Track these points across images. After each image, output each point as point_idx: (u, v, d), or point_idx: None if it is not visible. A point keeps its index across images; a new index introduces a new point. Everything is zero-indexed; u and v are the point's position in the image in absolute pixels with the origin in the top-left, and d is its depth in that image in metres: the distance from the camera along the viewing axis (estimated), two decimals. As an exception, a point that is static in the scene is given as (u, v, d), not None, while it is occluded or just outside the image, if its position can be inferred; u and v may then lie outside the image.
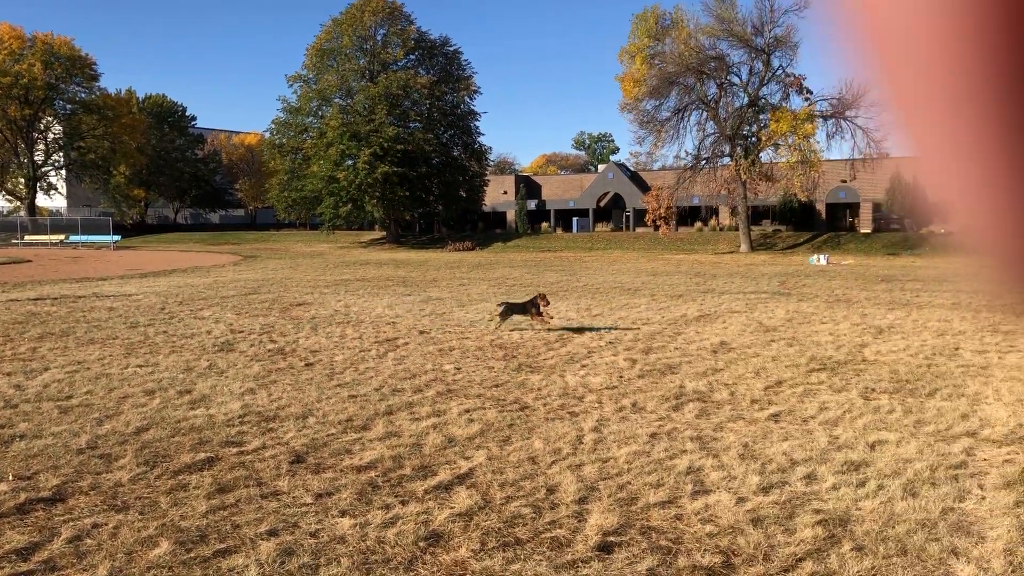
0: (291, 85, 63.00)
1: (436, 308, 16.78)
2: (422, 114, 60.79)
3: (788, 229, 58.95)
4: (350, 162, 57.54)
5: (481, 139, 66.53)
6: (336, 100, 60.70)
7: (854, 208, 64.03)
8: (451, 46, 63.42)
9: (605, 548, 4.29)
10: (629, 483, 5.36)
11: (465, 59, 65.12)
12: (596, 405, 7.75)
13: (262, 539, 4.40)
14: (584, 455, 6.02)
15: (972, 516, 4.78)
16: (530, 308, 12.80)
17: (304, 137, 61.47)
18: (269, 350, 11.21)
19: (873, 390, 8.44)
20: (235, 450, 6.19)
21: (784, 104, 45.43)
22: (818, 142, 44.41)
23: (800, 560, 4.13)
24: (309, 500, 5.04)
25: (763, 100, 46.78)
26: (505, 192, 75.31)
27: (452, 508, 4.88)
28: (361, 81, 60.77)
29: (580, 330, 13.00)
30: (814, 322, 14.13)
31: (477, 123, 64.62)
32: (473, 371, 9.58)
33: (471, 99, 64.12)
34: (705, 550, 4.25)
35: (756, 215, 63.59)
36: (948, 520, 4.70)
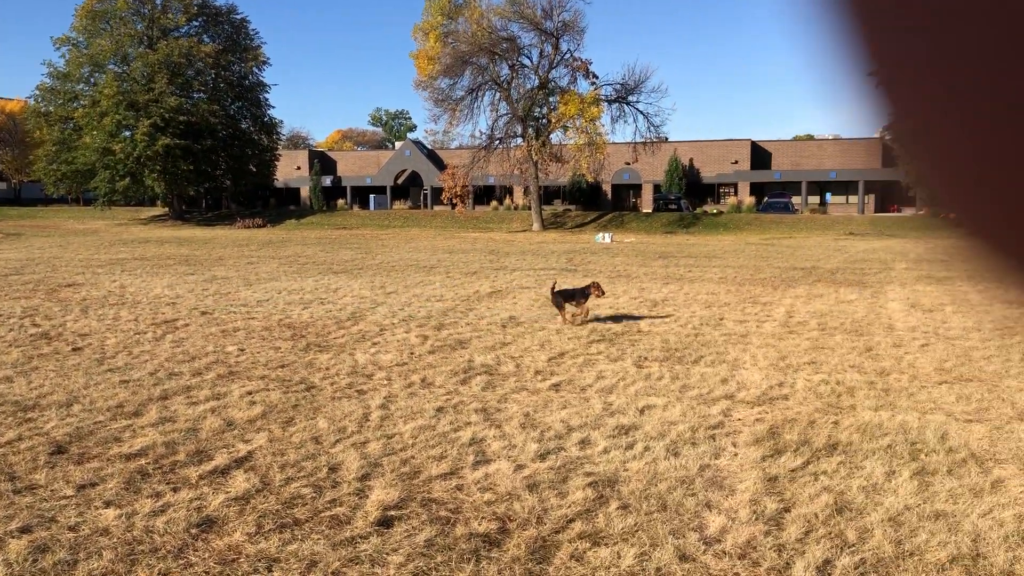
0: (58, 48, 57.77)
1: (221, 288, 16.08)
2: (207, 84, 57.64)
3: (577, 209, 61.35)
4: (127, 133, 53.69)
5: (272, 112, 64.16)
6: (111, 67, 56.29)
7: (637, 189, 67.57)
8: (238, 14, 60.50)
9: (385, 523, 4.32)
10: (413, 457, 5.41)
11: (253, 28, 62.46)
12: (385, 382, 7.75)
13: (12, 537, 4.06)
14: (369, 432, 6.01)
15: (725, 471, 5.22)
16: (579, 296, 11.54)
17: (75, 105, 56.53)
18: (31, 335, 10.31)
19: (645, 359, 8.99)
20: (-16, 444, 5.66)
21: (572, 87, 47.08)
22: (603, 125, 46.39)
23: (571, 521, 4.35)
24: (70, 493, 4.71)
25: (553, 83, 48.22)
26: (299, 168, 73.15)
27: (228, 492, 4.72)
28: (139, 47, 56.70)
29: (375, 307, 12.91)
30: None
31: (267, 95, 62.23)
32: (258, 352, 9.28)
33: (260, 70, 61.64)
34: (482, 518, 4.38)
35: (548, 195, 65.66)
36: (704, 476, 5.11)
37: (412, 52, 52.92)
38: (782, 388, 7.59)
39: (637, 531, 4.23)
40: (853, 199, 61.63)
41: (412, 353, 9.23)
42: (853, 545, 4.10)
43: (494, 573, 3.77)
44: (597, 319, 11.71)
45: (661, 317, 12.16)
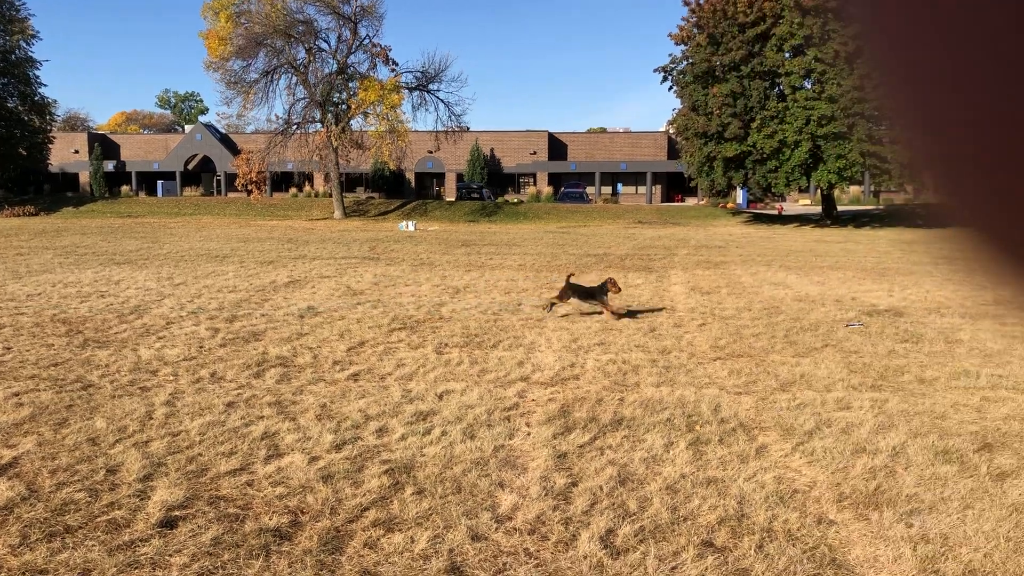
0: None
1: (-16, 281, 14.63)
2: (-36, 58, 52.10)
3: (380, 196, 60.85)
4: None
5: (43, 91, 58.86)
6: None
7: (440, 178, 67.93)
8: (0, -18, 54.91)
9: (168, 524, 4.11)
10: (200, 455, 5.18)
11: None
12: (171, 378, 7.36)
13: None
14: (153, 431, 5.69)
15: (518, 451, 5.38)
16: (599, 295, 10.88)
17: None
18: None
19: (446, 345, 9.08)
20: None
21: (372, 74, 46.54)
22: (405, 113, 46.29)
23: (365, 510, 4.33)
24: None
25: (352, 68, 47.46)
26: (77, 151, 67.76)
27: (-12, 504, 4.32)
28: None
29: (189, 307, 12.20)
30: (399, 284, 14.79)
31: (37, 72, 57.02)
32: (28, 350, 8.54)
33: (28, 44, 56.33)
34: (274, 512, 4.27)
35: (350, 182, 64.69)
36: (499, 457, 5.24)
37: (202, 32, 50.22)
38: (574, 368, 7.91)
39: (431, 514, 4.28)
40: (642, 189, 65.06)
41: (201, 347, 8.82)
42: (634, 514, 4.35)
43: (284, 567, 3.69)
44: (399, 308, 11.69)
45: (463, 304, 12.31)
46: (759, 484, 4.81)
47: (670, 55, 39.71)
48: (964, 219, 0.36)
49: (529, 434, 5.74)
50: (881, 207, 51.74)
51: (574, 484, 4.76)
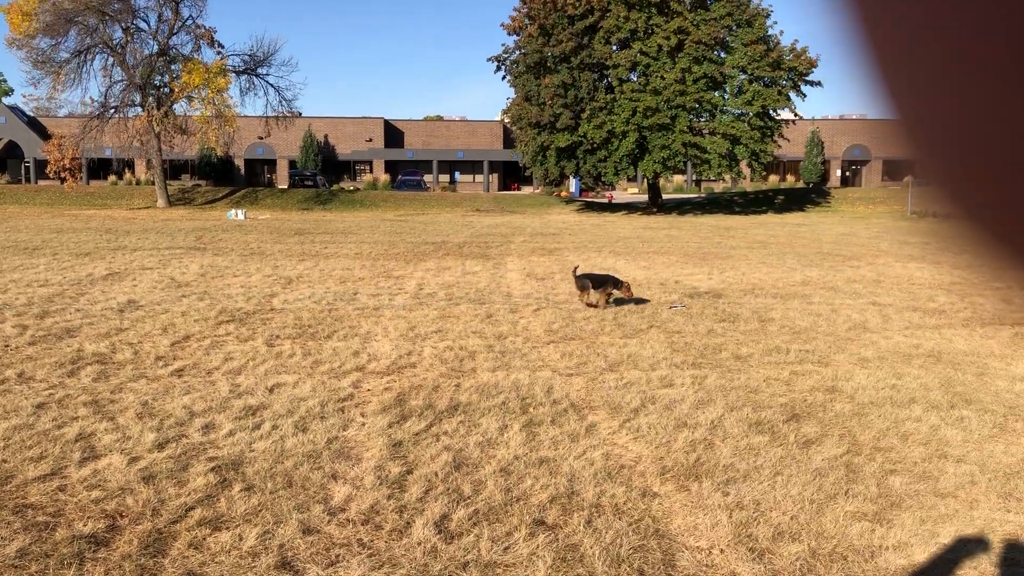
0: None
1: None
2: None
3: (208, 184, 58.25)
4: None
5: None
6: None
7: (272, 165, 65.86)
8: None
9: (-33, 538, 3.79)
10: (5, 461, 4.80)
11: None
12: (-29, 380, 6.77)
13: None
14: (-51, 438, 5.22)
15: (353, 442, 5.32)
16: (612, 285, 10.81)
17: None
18: None
19: (278, 337, 8.83)
20: None
21: (196, 56, 44.43)
22: (232, 97, 44.49)
23: (190, 509, 4.16)
24: None
25: (174, 50, 45.10)
26: None
27: None
28: None
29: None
30: (227, 275, 14.24)
31: None
32: None
33: None
34: (89, 517, 4.02)
35: (175, 169, 61.61)
36: (332, 448, 5.16)
37: (2, 5, 46.26)
38: (411, 357, 7.90)
39: (261, 510, 4.16)
40: (479, 178, 65.61)
41: (7, 346, 8.17)
42: (468, 497, 4.40)
43: (101, 574, 3.49)
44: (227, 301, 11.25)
45: (295, 294, 12.01)
46: (588, 461, 4.98)
47: (503, 45, 40.17)
48: (969, 219, 0.35)
49: (364, 424, 5.69)
50: (702, 195, 54.58)
51: (409, 472, 4.76)
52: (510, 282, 13.79)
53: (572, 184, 54.87)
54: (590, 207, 47.50)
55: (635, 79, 39.83)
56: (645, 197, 50.31)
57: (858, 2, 0.35)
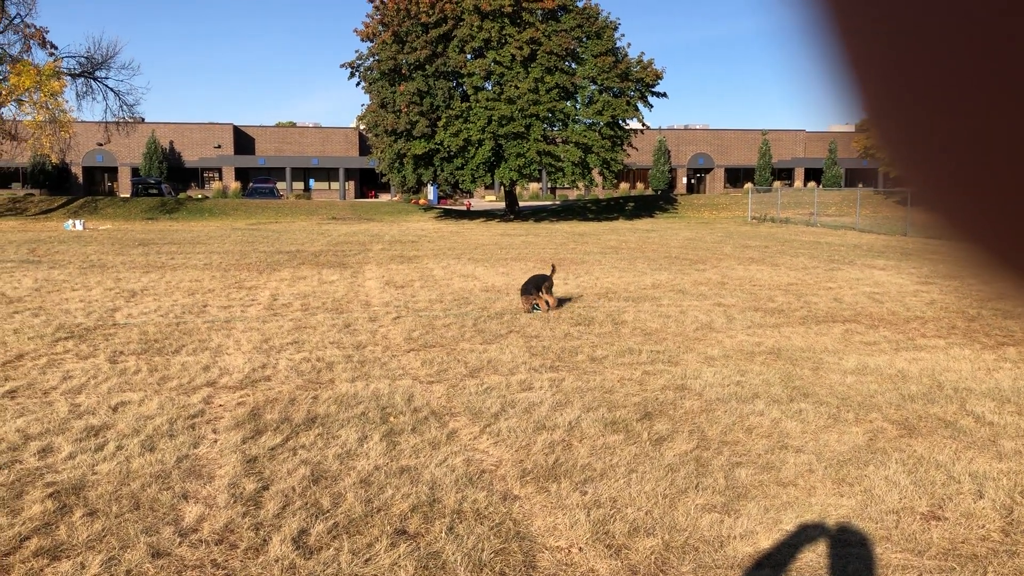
0: None
1: None
2: None
3: (43, 193, 54.59)
4: None
5: None
6: None
7: (113, 172, 62.55)
8: None
9: None
10: None
11: None
12: None
13: None
14: None
15: (204, 459, 5.12)
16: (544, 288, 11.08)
17: None
18: None
19: (122, 353, 8.39)
20: None
21: (26, 57, 41.58)
22: (67, 101, 41.94)
23: (26, 539, 3.89)
24: None
25: (1, 50, 42.07)
26: None
27: None
28: None
29: None
30: (65, 290, 13.40)
31: None
32: None
33: None
34: (-93, 556, 3.70)
35: (5, 177, 57.60)
36: (182, 467, 4.95)
37: None
38: (265, 370, 7.68)
39: (105, 536, 3.95)
40: (335, 185, 64.54)
41: None
42: (328, 511, 4.33)
43: (-78, 617, 3.22)
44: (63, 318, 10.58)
45: (140, 308, 11.43)
46: (450, 468, 4.99)
47: (356, 51, 39.68)
48: (960, 232, 0.35)
49: (216, 441, 5.49)
50: (557, 203, 55.71)
51: (265, 488, 4.63)
52: (369, 291, 13.63)
53: (430, 192, 54.81)
54: (448, 214, 47.60)
55: (490, 88, 40.22)
56: (502, 205, 50.89)
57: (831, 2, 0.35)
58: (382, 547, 3.91)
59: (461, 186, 41.85)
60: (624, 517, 4.32)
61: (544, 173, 42.79)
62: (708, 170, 70.68)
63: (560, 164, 39.96)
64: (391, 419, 6.06)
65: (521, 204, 50.94)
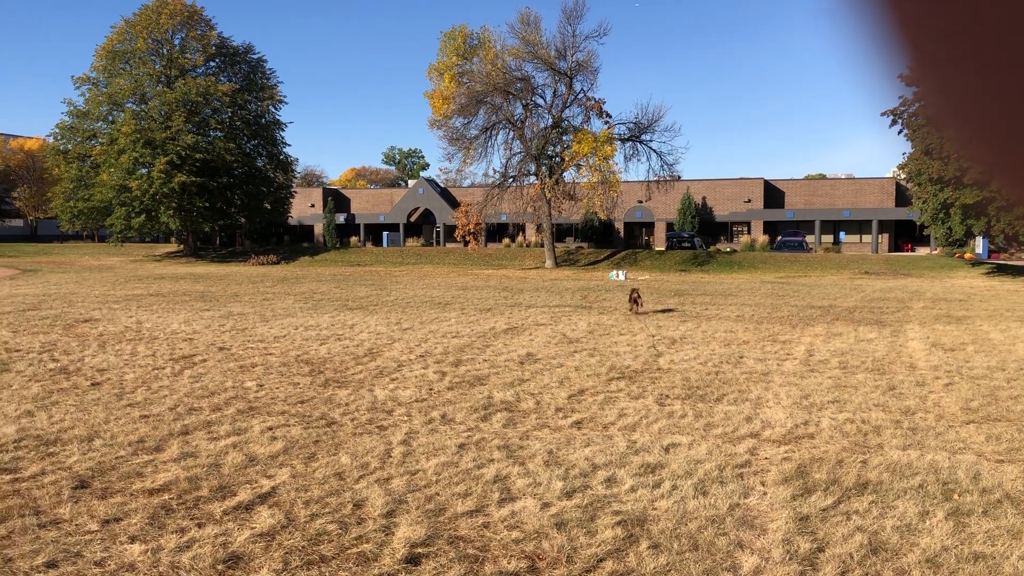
0: (78, 87, 58.55)
1: (238, 323, 16.10)
2: (224, 122, 58.20)
3: (590, 246, 61.44)
4: (144, 171, 54.24)
5: (287, 150, 64.66)
6: (129, 105, 56.99)
7: (649, 227, 67.71)
8: (254, 54, 61.28)
9: (413, 560, 4.25)
10: (437, 494, 5.35)
11: (270, 68, 63.22)
12: (405, 418, 7.70)
13: (39, 572, 4.02)
14: (392, 468, 5.95)
15: (755, 511, 5.14)
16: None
17: (92, 143, 57.21)
18: (50, 369, 10.32)
19: (667, 396, 8.91)
20: (8, 477, 5.63)
21: (585, 126, 47.34)
22: (616, 164, 46.61)
23: (601, 560, 4.27)
24: (94, 527, 4.66)
25: (566, 122, 48.53)
26: (313, 205, 73.71)
27: (253, 528, 4.67)
28: (157, 86, 57.48)
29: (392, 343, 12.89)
30: (613, 334, 14.75)
31: (283, 133, 62.81)
32: (277, 388, 9.26)
33: (276, 109, 62.26)
34: (511, 556, 4.31)
35: (560, 232, 65.89)
36: (735, 515, 5.02)
37: (427, 92, 53.59)
38: (807, 427, 7.50)
39: (669, 571, 4.15)
40: (867, 238, 61.55)
41: (431, 389, 9.18)
42: (891, 587, 4.01)
43: (526, 613, 3.70)
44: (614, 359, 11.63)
45: (680, 355, 12.08)
46: (1037, 565, 4.29)
47: (900, 97, 37.35)
48: None
49: (765, 493, 5.48)
50: None
51: (820, 549, 4.47)
52: (912, 352, 12.61)
53: (979, 244, 49.24)
54: (1003, 270, 42.15)
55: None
56: (1072, 259, 43.44)
57: None
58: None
59: (1022, 238, 36.78)
60: None
61: None
62: None
63: None
64: (955, 497, 5.44)
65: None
